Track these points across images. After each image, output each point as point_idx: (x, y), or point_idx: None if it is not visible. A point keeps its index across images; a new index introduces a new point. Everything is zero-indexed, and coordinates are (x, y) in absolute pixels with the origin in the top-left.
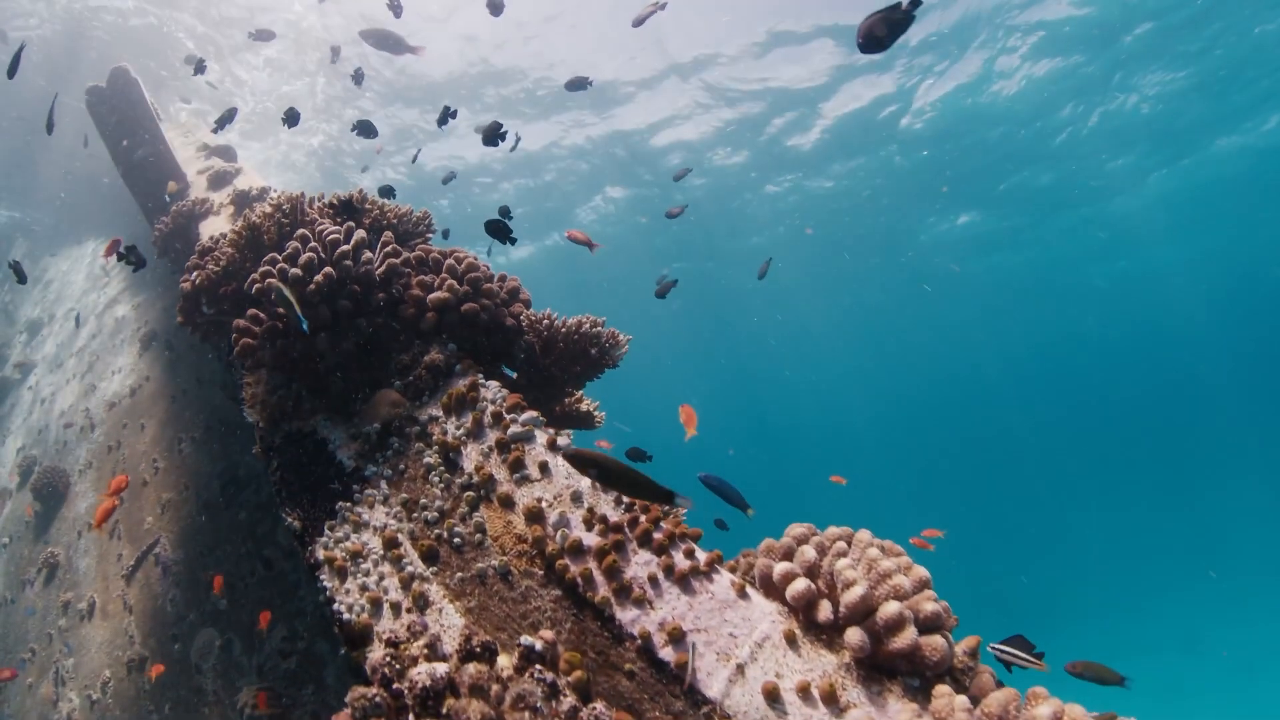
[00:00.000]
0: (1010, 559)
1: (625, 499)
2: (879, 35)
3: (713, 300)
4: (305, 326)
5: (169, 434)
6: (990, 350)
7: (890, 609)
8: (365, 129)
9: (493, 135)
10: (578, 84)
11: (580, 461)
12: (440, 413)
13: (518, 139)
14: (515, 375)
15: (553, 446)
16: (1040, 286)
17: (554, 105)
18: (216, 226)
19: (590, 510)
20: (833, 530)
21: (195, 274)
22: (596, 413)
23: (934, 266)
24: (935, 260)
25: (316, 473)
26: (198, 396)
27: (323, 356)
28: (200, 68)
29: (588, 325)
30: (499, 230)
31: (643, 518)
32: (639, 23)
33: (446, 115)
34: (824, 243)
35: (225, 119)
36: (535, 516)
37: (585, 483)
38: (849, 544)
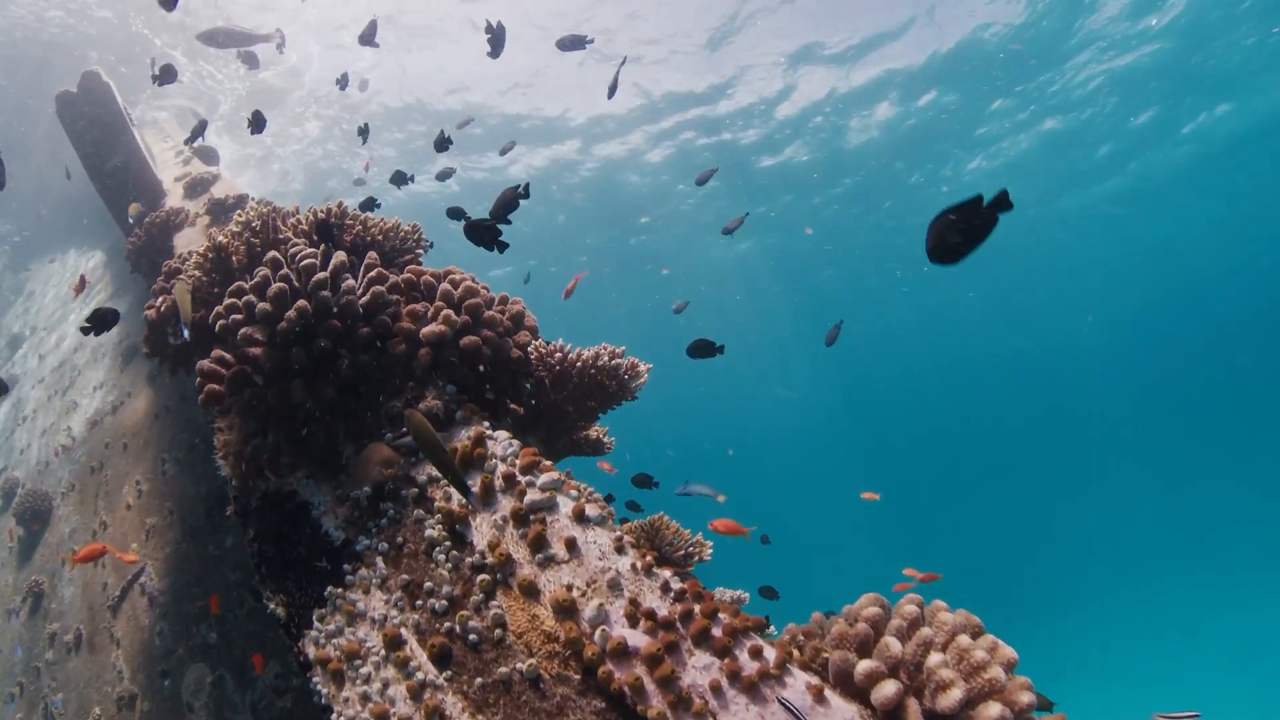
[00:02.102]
0: (1008, 548)
1: (674, 586)
2: (952, 244)
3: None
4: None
5: (151, 454)
6: (983, 341)
7: (991, 713)
8: (363, 133)
9: (510, 204)
10: (574, 42)
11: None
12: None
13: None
14: (522, 411)
15: (580, 517)
16: (1033, 274)
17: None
18: (191, 239)
19: (633, 602)
20: (907, 609)
21: (160, 300)
22: (605, 438)
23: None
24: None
25: (300, 545)
26: (180, 413)
27: (300, 406)
28: (169, 76)
29: (606, 357)
30: (483, 235)
31: (697, 609)
32: (612, 92)
33: (445, 141)
34: (795, 237)
35: (197, 131)
36: (567, 610)
37: (623, 564)
38: (930, 624)
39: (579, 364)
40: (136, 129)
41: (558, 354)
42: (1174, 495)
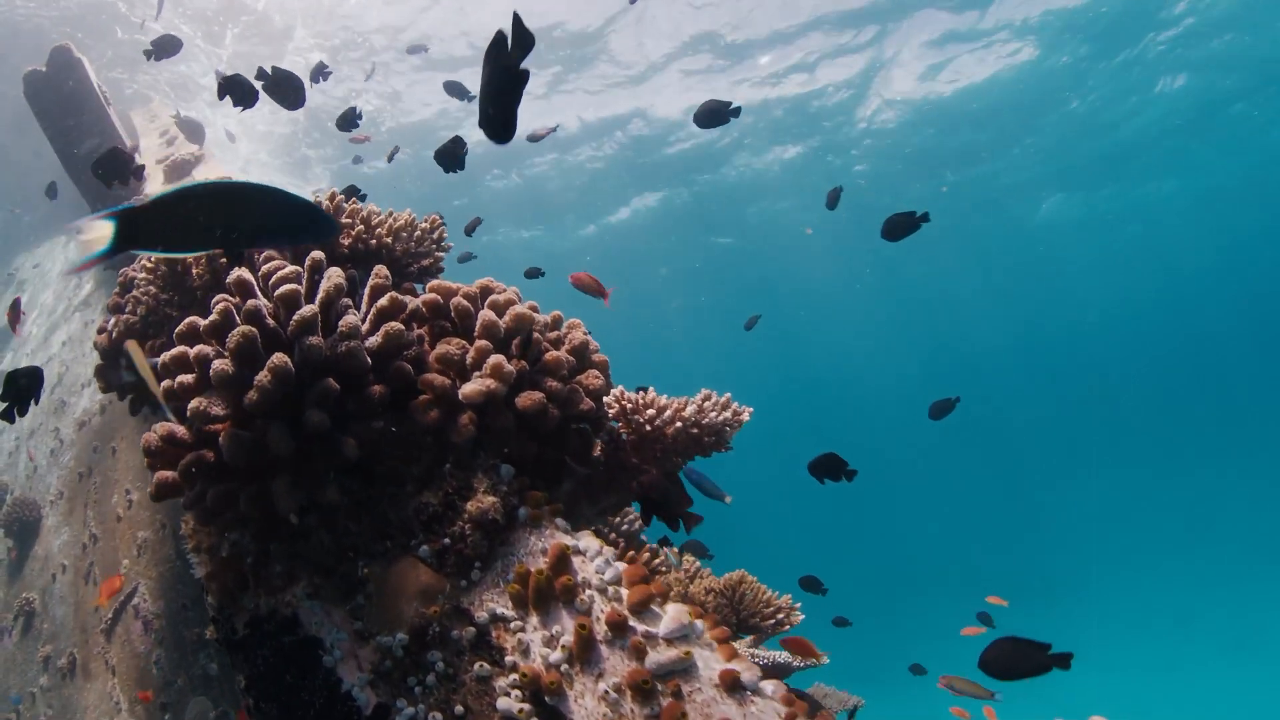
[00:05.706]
0: (1004, 536)
1: None
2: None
3: (638, 304)
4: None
5: (141, 459)
6: (981, 332)
7: None
8: (348, 118)
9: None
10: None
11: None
12: (509, 608)
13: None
14: (587, 472)
15: (734, 687)
16: (1023, 260)
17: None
18: None
19: None
20: None
21: (112, 323)
22: None
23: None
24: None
25: (312, 709)
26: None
27: (288, 514)
28: (166, 49)
29: (713, 413)
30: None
31: None
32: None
33: (454, 162)
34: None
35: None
36: None
37: None
38: None
39: (677, 424)
40: (112, 108)
41: (649, 410)
42: (1170, 483)
